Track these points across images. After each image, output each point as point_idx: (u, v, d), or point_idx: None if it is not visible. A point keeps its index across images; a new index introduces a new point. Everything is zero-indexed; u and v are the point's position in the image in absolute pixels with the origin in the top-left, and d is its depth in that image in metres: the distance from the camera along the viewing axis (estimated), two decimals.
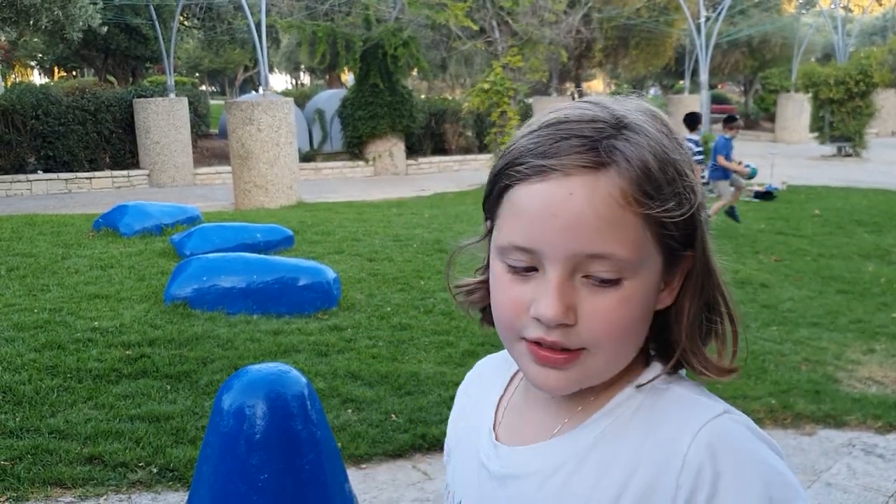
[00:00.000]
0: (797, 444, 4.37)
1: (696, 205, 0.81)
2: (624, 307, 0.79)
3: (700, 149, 10.74)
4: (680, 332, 0.84)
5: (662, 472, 0.78)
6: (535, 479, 0.85)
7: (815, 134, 25.96)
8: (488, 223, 0.88)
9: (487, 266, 0.90)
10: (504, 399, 0.97)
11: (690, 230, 0.81)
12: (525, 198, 0.79)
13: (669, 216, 0.78)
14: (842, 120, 23.21)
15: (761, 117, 35.73)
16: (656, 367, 0.86)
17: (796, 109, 30.72)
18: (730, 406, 0.83)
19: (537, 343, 0.80)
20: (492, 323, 0.89)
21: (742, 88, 43.32)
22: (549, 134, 0.80)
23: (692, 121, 10.68)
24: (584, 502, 0.81)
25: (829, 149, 24.16)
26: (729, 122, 11.17)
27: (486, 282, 0.91)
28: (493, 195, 0.85)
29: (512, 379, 0.98)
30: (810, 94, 24.26)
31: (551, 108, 0.84)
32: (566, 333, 0.79)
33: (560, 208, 0.77)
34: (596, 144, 0.78)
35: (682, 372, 0.87)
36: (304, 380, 2.41)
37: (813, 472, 4.03)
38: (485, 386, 1.01)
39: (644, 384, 0.84)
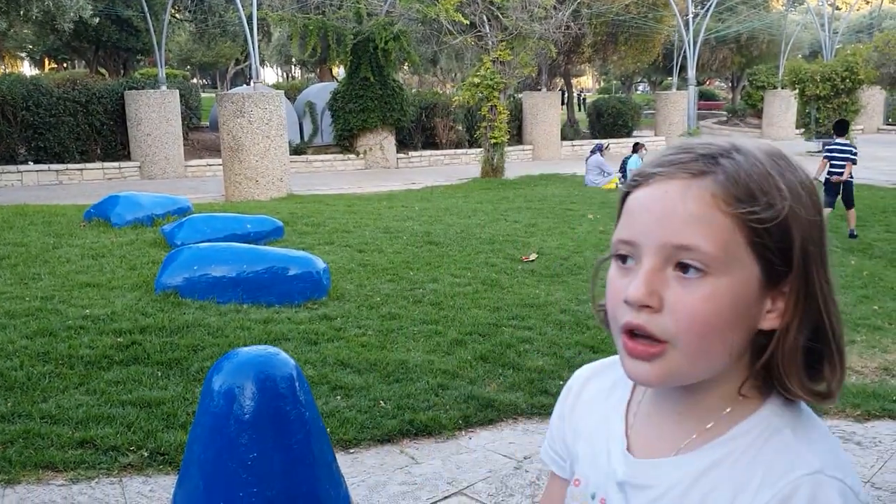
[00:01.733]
0: None
1: (787, 215, 0.84)
2: (709, 302, 0.84)
3: (854, 150, 11.47)
4: (778, 354, 0.87)
5: None
6: (652, 493, 0.92)
7: (802, 130, 26.15)
8: None
9: None
10: (633, 403, 1.01)
11: (786, 245, 0.85)
12: (632, 200, 0.90)
13: (757, 219, 0.84)
14: (828, 116, 23.34)
15: (749, 113, 35.90)
16: (774, 402, 0.90)
17: (783, 106, 30.90)
18: (836, 461, 0.86)
19: (629, 333, 0.87)
20: None
21: (730, 85, 43.48)
22: (670, 151, 0.91)
23: (841, 127, 11.78)
24: None
25: (815, 145, 24.30)
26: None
27: None
28: (619, 208, 0.93)
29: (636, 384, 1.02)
30: (797, 91, 24.41)
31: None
32: (651, 319, 0.85)
33: (655, 204, 0.86)
34: (702, 159, 0.87)
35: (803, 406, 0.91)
36: (292, 362, 2.47)
37: None
38: (609, 385, 1.05)
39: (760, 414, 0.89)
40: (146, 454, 3.71)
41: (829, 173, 11.33)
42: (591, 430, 1.04)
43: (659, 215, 0.86)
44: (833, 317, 0.88)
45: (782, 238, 0.85)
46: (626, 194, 0.92)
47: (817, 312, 0.86)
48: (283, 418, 2.35)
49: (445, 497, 3.54)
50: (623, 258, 0.89)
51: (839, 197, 11.27)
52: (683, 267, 0.84)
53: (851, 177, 11.38)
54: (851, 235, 10.93)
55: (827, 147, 11.76)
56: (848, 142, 11.65)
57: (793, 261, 0.85)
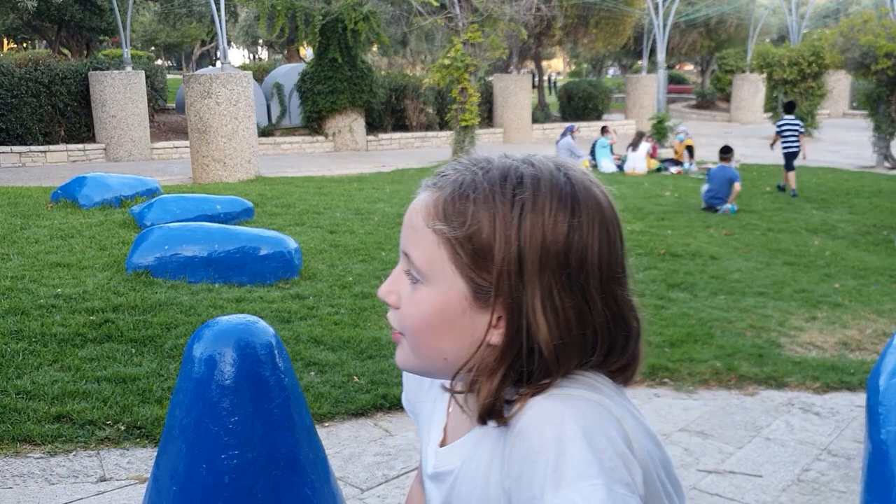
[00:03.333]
0: (740, 404, 4.60)
1: (481, 237, 0.85)
2: (415, 306, 0.90)
3: (800, 124, 14.00)
4: (477, 366, 0.89)
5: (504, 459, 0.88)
6: (451, 478, 0.98)
7: (769, 114, 26.48)
8: None
9: None
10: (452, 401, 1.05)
11: (485, 265, 0.86)
12: None
13: (452, 237, 0.86)
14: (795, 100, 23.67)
15: (717, 97, 36.25)
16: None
17: (751, 90, 31.22)
18: (587, 412, 0.83)
19: None
20: None
21: (699, 69, 43.86)
22: (453, 163, 0.95)
23: (790, 106, 14.38)
24: (470, 490, 0.94)
25: None
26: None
27: None
28: None
29: None
30: (765, 75, 24.69)
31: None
32: (392, 313, 0.94)
33: (409, 213, 0.93)
34: (455, 173, 0.91)
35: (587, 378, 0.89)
36: (271, 330, 2.52)
37: (753, 429, 4.26)
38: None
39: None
40: (123, 428, 3.75)
41: (784, 146, 13.52)
42: (425, 420, 1.09)
43: (405, 224, 0.93)
44: (541, 342, 0.85)
45: (480, 258, 0.86)
46: None
47: (518, 333, 0.86)
48: (263, 384, 2.40)
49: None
50: None
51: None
52: (409, 272, 0.92)
53: (798, 146, 13.40)
54: (794, 195, 12.81)
55: (779, 123, 14.12)
56: (795, 118, 14.01)
57: (500, 288, 0.86)
